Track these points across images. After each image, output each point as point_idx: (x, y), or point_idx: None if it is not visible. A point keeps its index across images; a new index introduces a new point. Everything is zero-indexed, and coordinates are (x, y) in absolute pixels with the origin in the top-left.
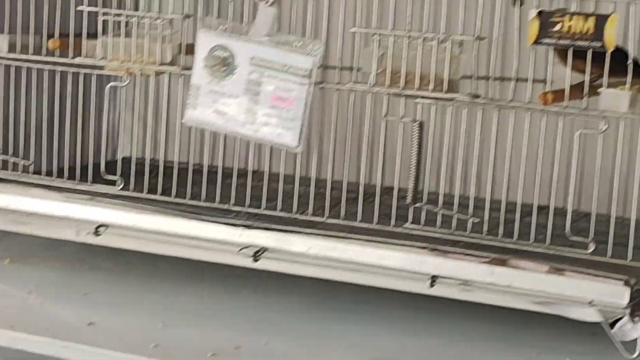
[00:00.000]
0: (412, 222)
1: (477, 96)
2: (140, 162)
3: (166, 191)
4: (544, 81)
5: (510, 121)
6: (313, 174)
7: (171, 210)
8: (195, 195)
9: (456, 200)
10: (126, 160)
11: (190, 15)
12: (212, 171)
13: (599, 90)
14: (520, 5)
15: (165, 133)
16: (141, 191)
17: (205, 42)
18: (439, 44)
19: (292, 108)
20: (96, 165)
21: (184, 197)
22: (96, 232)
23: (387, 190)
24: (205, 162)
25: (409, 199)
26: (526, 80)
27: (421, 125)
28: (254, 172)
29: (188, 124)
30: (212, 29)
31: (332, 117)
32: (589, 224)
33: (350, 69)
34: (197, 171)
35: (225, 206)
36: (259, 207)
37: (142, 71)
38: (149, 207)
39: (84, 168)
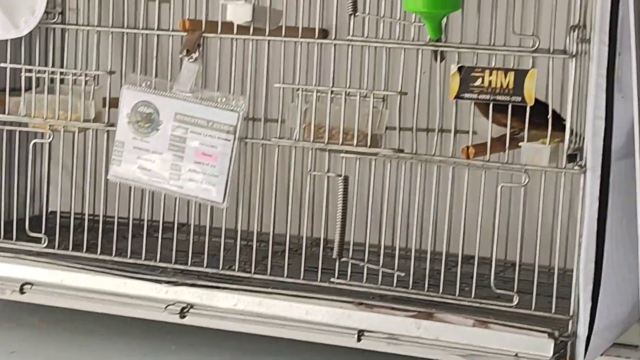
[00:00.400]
0: (339, 276)
1: (400, 150)
2: (67, 217)
3: (92, 247)
4: (467, 132)
5: (435, 174)
6: (240, 227)
7: (97, 267)
8: (122, 251)
9: (382, 253)
10: (53, 215)
11: (114, 72)
12: (139, 225)
13: (520, 144)
14: (441, 61)
15: (91, 188)
16: (67, 247)
17: (129, 98)
18: (362, 99)
19: (217, 164)
20: (21, 221)
21: (110, 254)
22: (21, 290)
23: (315, 242)
24: (131, 217)
25: (335, 253)
26: (450, 131)
27: (346, 179)
28: (181, 225)
29: (113, 180)
30: (136, 85)
31: (259, 171)
32: (516, 273)
33: (277, 121)
34: (123, 225)
35: (152, 262)
36: (186, 263)
37: (65, 128)
38: (74, 265)
39: (9, 224)
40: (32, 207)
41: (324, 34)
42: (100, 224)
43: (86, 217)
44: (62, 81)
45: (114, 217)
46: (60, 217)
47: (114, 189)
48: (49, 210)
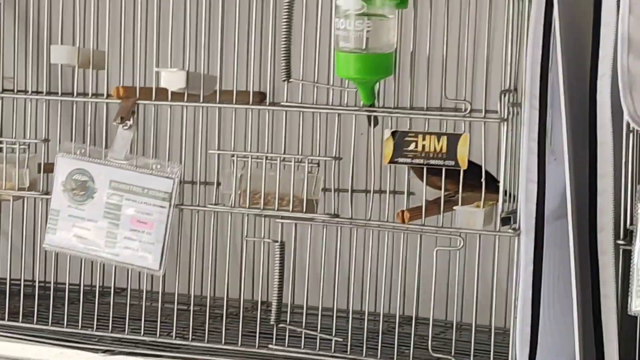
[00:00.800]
0: (278, 341)
1: (336, 215)
2: (3, 284)
3: (29, 315)
4: (403, 193)
5: (372, 237)
6: (177, 292)
7: (32, 337)
8: (59, 319)
9: (320, 315)
10: None
11: (49, 140)
12: (75, 290)
13: (454, 207)
14: (375, 125)
15: (29, 255)
16: (2, 316)
17: (63, 166)
18: (297, 164)
19: (153, 231)
20: None
21: (47, 322)
22: None
23: (255, 305)
24: (67, 283)
25: (273, 319)
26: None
27: (282, 245)
28: (120, 290)
29: (48, 249)
30: (70, 152)
31: (194, 236)
32: (457, 334)
33: (213, 184)
34: (62, 291)
35: (88, 331)
36: (124, 331)
37: (0, 196)
38: (9, 335)
39: None
40: None
41: (262, 97)
42: (36, 290)
43: (22, 284)
44: None
45: (50, 283)
46: None
47: (52, 255)
48: None
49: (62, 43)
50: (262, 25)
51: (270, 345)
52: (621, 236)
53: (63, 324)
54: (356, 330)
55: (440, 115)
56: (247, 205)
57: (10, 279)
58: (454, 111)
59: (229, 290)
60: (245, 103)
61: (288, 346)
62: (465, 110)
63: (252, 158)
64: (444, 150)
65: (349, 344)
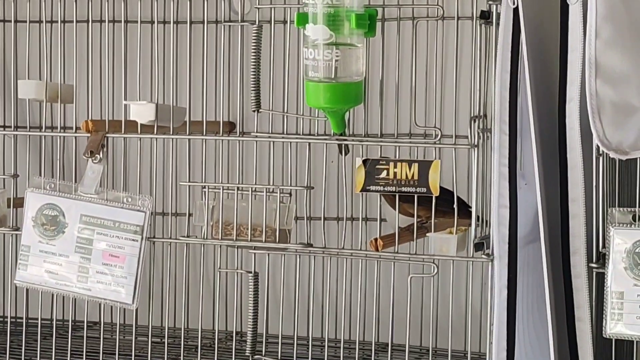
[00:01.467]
0: None
1: (310, 245)
2: None
3: (0, 352)
4: (375, 220)
5: (345, 265)
6: (150, 324)
7: None
8: (32, 356)
9: (295, 344)
10: None
11: (18, 175)
12: (47, 325)
13: (427, 234)
14: (346, 154)
15: None
16: None
17: (33, 201)
18: (268, 194)
19: (125, 265)
20: None
21: (20, 358)
22: None
23: (230, 336)
24: (40, 317)
25: (248, 350)
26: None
27: (256, 276)
28: (93, 323)
29: (20, 285)
30: (40, 187)
31: (167, 268)
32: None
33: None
34: (32, 325)
35: None
36: None
37: None
38: None
39: None
40: None
41: (231, 126)
42: (8, 326)
43: None
44: None
45: (22, 319)
46: None
47: (23, 290)
48: None
49: (28, 77)
50: (229, 55)
51: None
52: (594, 259)
53: None
54: (332, 358)
55: (411, 142)
56: (220, 237)
57: None
58: (423, 137)
59: (202, 321)
60: (215, 133)
61: None
62: (436, 136)
63: (223, 189)
64: (416, 177)
65: None
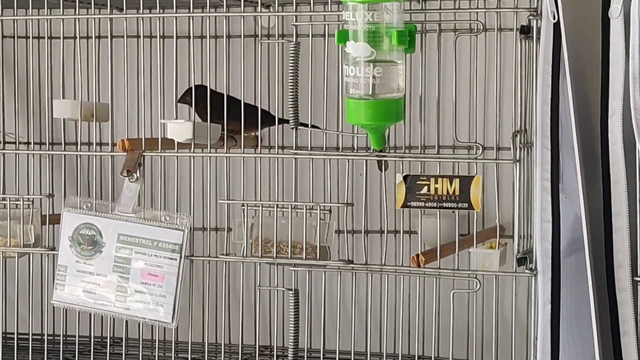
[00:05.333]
0: None
1: (350, 261)
2: (11, 339)
3: None
4: (417, 233)
5: (387, 280)
6: (190, 342)
7: None
8: None
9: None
10: None
11: (53, 195)
12: (85, 342)
13: (470, 249)
14: (385, 170)
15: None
16: None
17: (70, 221)
18: (308, 211)
19: (164, 284)
20: None
21: None
22: None
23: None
24: (77, 334)
25: None
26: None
27: (296, 293)
28: (131, 340)
29: (57, 305)
30: (76, 207)
31: (207, 285)
32: None
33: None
34: (70, 343)
35: None
36: None
37: (4, 254)
38: None
39: None
40: None
41: (256, 141)
42: (45, 345)
43: (30, 338)
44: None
45: (60, 336)
46: (6, 339)
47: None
48: None
49: (63, 97)
50: (269, 71)
51: None
52: (638, 273)
53: None
54: None
55: (453, 157)
56: (260, 254)
57: (18, 334)
58: (465, 151)
59: (243, 337)
60: (254, 147)
61: None
62: (477, 151)
63: (263, 207)
64: (457, 192)
65: None
